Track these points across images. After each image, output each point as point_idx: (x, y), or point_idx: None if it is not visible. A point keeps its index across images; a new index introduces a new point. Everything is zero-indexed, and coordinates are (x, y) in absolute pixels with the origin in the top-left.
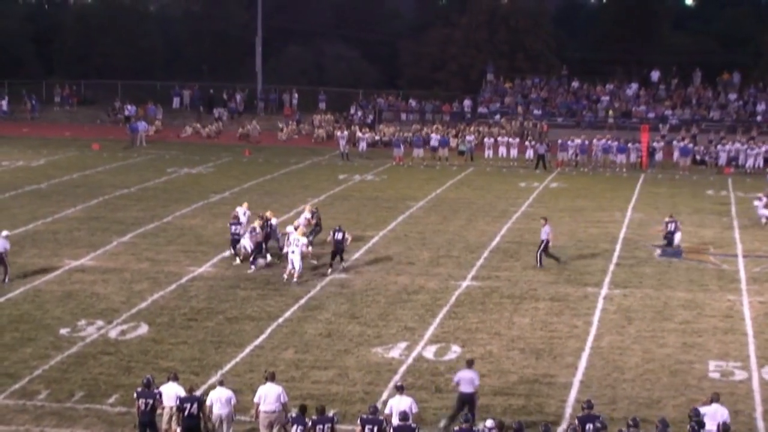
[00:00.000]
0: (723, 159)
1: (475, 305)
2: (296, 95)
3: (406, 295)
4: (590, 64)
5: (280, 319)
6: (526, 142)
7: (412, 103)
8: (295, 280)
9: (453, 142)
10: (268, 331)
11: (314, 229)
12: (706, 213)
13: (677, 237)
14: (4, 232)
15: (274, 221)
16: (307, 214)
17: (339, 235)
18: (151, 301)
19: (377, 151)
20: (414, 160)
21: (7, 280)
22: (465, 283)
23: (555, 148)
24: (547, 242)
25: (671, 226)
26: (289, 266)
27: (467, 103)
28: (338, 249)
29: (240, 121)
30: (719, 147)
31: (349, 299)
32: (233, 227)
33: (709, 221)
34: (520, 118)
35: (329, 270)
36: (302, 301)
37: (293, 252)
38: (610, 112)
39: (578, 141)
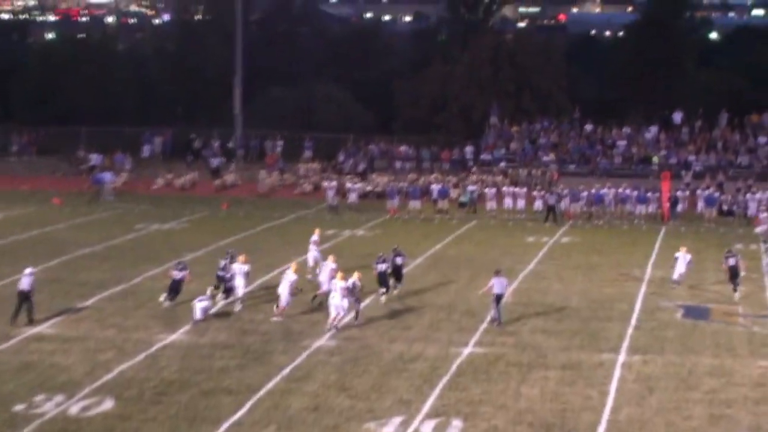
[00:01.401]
0: (752, 209)
1: (479, 374)
2: (280, 141)
3: (402, 364)
4: (605, 104)
5: (261, 392)
6: (534, 192)
7: (408, 149)
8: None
9: (453, 193)
10: (248, 405)
11: None
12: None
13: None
14: (29, 269)
15: (246, 267)
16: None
17: (399, 260)
18: (117, 372)
19: (369, 203)
20: (410, 213)
21: (32, 320)
22: (467, 350)
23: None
24: (501, 296)
25: (731, 261)
26: (333, 313)
27: (469, 149)
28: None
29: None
30: (748, 196)
31: (338, 369)
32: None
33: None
34: (528, 165)
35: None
36: (286, 371)
37: (333, 297)
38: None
39: (593, 190)
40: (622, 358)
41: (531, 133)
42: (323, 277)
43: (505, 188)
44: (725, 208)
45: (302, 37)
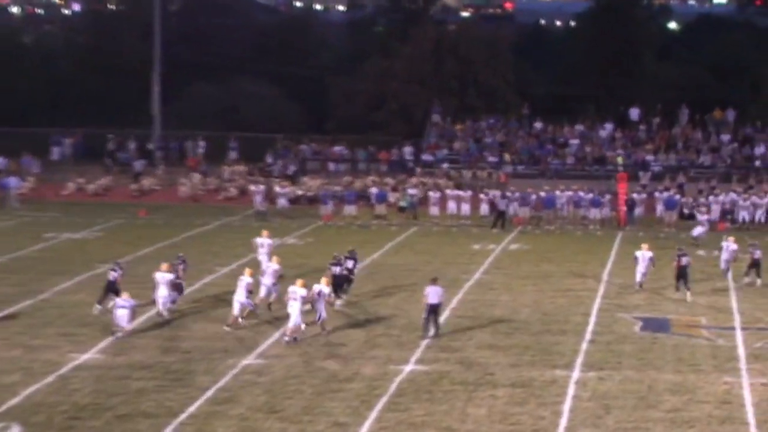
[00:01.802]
0: (716, 212)
1: (421, 394)
2: (202, 142)
3: (337, 384)
4: (556, 100)
5: (183, 416)
6: (481, 195)
7: (343, 150)
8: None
9: (392, 197)
10: (168, 430)
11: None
12: (696, 278)
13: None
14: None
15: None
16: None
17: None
18: (24, 396)
19: (301, 209)
20: (345, 219)
21: None
22: (408, 368)
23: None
24: (437, 307)
25: (684, 261)
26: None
27: (409, 149)
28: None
29: (133, 174)
30: (711, 198)
31: (267, 390)
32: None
33: (701, 287)
34: (473, 166)
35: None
36: (209, 393)
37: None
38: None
39: (543, 193)
40: (576, 374)
41: (476, 132)
42: (267, 280)
43: (448, 192)
44: (686, 211)
45: (226, 29)
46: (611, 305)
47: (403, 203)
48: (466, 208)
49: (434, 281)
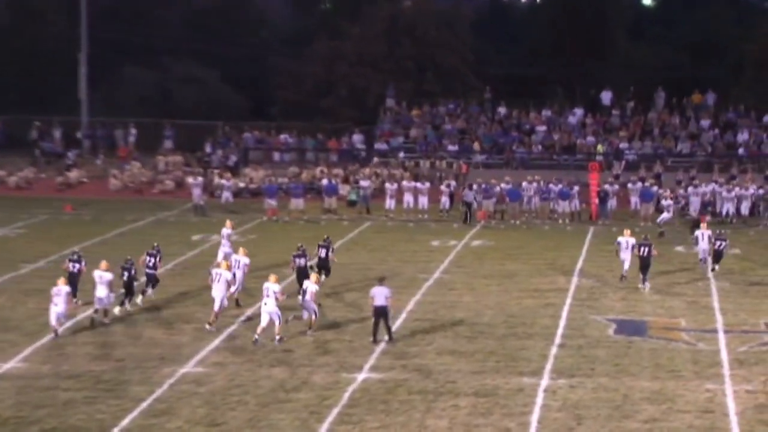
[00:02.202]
0: (696, 205)
1: (376, 405)
2: (134, 130)
3: (284, 394)
4: (521, 84)
5: (115, 430)
6: (442, 187)
7: (289, 138)
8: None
9: (343, 190)
10: None
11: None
12: (675, 276)
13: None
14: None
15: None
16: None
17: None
18: None
19: (243, 203)
20: (292, 214)
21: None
22: (361, 376)
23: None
24: (384, 309)
25: (645, 251)
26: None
27: (360, 137)
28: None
29: (59, 165)
30: (690, 190)
31: (207, 401)
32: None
33: (679, 287)
34: (431, 156)
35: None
36: (144, 405)
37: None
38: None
39: (508, 185)
40: (545, 382)
41: (434, 118)
42: (238, 274)
43: (404, 183)
44: (663, 203)
45: (159, 6)
46: (583, 306)
47: (352, 197)
48: (424, 201)
49: (381, 281)
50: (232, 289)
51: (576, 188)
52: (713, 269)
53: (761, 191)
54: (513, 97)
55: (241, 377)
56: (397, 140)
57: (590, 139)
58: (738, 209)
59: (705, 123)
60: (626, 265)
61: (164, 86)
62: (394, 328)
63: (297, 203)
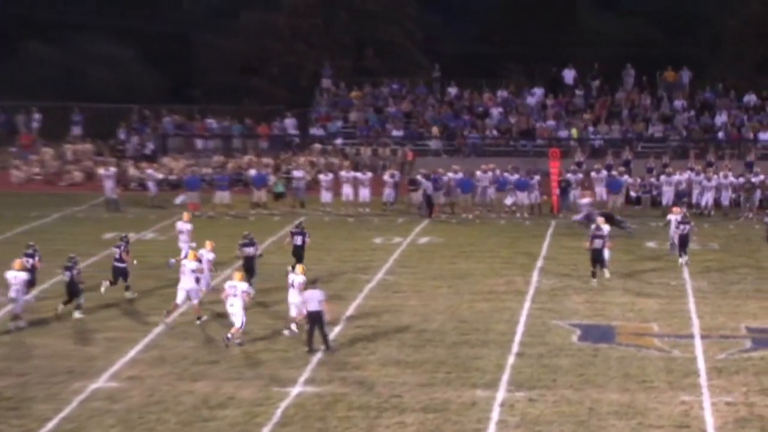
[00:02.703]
0: (669, 195)
1: (312, 422)
2: (37, 115)
3: (208, 411)
4: (474, 61)
5: None
6: (385, 177)
7: (213, 123)
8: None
9: (273, 180)
10: None
11: None
12: (646, 275)
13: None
14: None
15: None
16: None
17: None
18: None
19: (161, 196)
20: (216, 208)
21: None
22: (295, 390)
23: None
24: (319, 315)
25: (597, 243)
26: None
27: (292, 122)
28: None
29: None
30: (663, 178)
31: (121, 419)
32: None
33: (651, 288)
34: (373, 142)
35: None
36: (50, 425)
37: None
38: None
39: (459, 174)
40: (501, 395)
41: (376, 100)
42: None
43: (343, 174)
44: (633, 194)
45: None
46: (543, 310)
47: (278, 188)
48: (365, 193)
49: (313, 284)
50: (202, 284)
51: (537, 177)
52: (682, 258)
53: (741, 180)
54: (465, 77)
55: (160, 392)
56: (335, 125)
57: (551, 122)
58: (717, 200)
59: (679, 104)
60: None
61: (72, 65)
62: (332, 335)
63: (222, 196)
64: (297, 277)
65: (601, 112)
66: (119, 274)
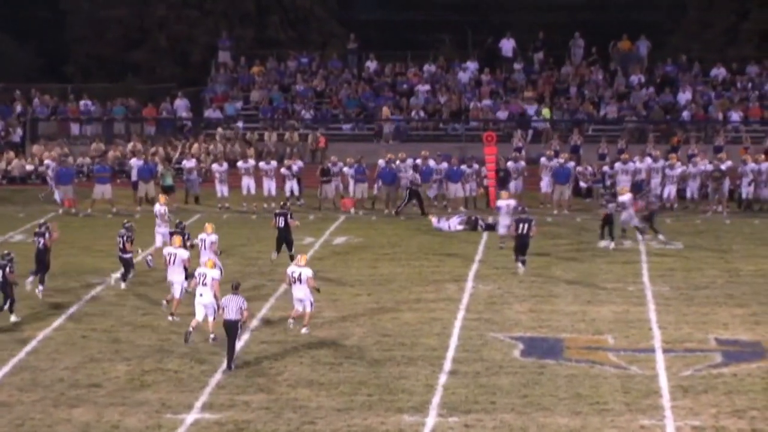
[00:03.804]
0: (625, 186)
1: None
2: None
3: None
4: (396, 31)
5: None
6: (283, 170)
7: (90, 105)
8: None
9: (161, 172)
10: None
11: None
12: (599, 280)
13: None
14: None
15: None
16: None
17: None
18: None
19: (30, 190)
20: (95, 204)
21: None
22: (191, 417)
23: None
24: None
25: (523, 227)
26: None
27: (183, 103)
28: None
29: None
30: (618, 166)
31: None
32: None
33: (605, 294)
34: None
35: None
36: None
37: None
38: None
39: (381, 162)
40: (431, 421)
41: (282, 76)
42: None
43: (240, 164)
44: (584, 185)
45: None
46: (480, 321)
47: (167, 180)
48: (270, 185)
49: (235, 289)
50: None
51: (475, 166)
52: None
53: (710, 167)
54: (386, 49)
55: (31, 421)
56: (234, 106)
57: (486, 102)
58: (681, 191)
59: (635, 79)
60: (502, 230)
61: None
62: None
63: (102, 190)
64: (303, 270)
65: (544, 89)
66: (126, 266)
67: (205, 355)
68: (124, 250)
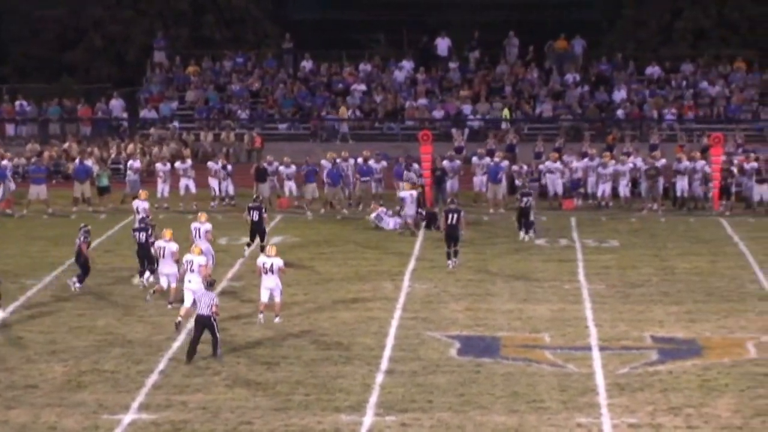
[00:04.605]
0: (559, 185)
1: None
2: None
3: None
4: (332, 31)
5: None
6: (210, 164)
7: (25, 106)
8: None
9: (97, 172)
10: None
11: None
12: (535, 279)
13: None
14: None
15: None
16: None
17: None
18: None
19: None
20: (31, 205)
21: None
22: (128, 418)
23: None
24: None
25: (453, 217)
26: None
27: (119, 103)
28: None
29: None
30: (550, 164)
31: None
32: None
33: (542, 292)
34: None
35: None
36: None
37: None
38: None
39: (324, 162)
40: (369, 420)
41: (218, 76)
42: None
43: (178, 164)
44: (519, 183)
45: None
46: (416, 320)
47: (103, 181)
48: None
49: (210, 286)
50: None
51: (415, 166)
52: (525, 237)
53: (644, 165)
54: (321, 48)
55: None
56: (169, 106)
57: (422, 101)
58: (615, 189)
59: (571, 78)
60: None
61: None
62: (169, 353)
63: (37, 191)
64: (275, 260)
65: (480, 88)
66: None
67: (141, 355)
68: (79, 254)
